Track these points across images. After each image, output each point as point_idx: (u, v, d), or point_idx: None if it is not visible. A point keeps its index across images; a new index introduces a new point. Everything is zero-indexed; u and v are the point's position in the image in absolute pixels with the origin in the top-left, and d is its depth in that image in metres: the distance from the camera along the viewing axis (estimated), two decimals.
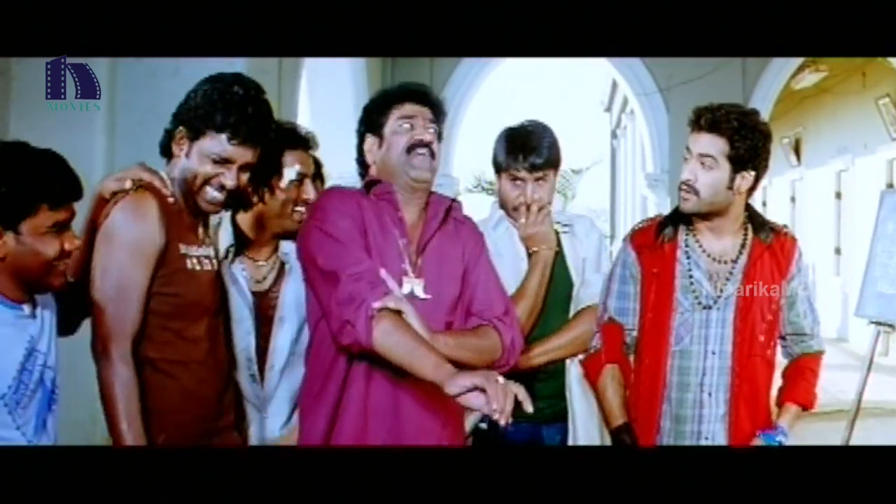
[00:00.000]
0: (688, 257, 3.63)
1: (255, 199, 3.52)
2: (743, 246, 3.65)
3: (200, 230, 3.30)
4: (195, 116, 3.13)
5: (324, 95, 10.00)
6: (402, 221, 3.26)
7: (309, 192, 3.57)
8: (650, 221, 3.82)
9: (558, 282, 3.97)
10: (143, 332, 3.06)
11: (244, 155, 3.16)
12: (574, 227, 4.10)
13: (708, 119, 3.49)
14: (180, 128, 3.15)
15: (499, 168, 4.04)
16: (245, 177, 3.21)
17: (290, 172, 3.53)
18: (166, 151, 3.21)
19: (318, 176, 3.74)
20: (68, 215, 2.79)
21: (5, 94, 4.59)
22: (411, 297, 3.18)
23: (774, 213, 21.08)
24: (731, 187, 3.52)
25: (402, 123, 3.27)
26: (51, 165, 2.74)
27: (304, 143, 3.64)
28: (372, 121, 3.34)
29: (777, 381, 3.78)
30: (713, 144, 3.48)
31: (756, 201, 11.46)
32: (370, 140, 3.32)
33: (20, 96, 4.55)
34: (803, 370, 3.79)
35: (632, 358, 3.79)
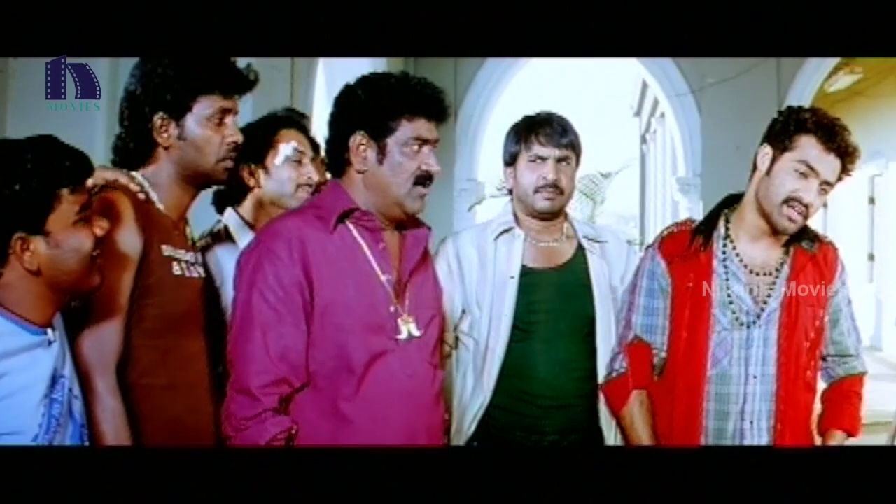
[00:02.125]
0: (725, 268, 3.33)
1: (251, 182, 3.40)
2: (786, 255, 3.35)
3: (186, 233, 3.04)
4: (178, 91, 2.88)
5: None
6: (386, 253, 3.00)
7: (309, 171, 3.44)
8: (680, 227, 3.50)
9: (576, 303, 3.67)
10: (126, 353, 2.73)
11: (234, 105, 2.99)
12: (606, 246, 3.80)
13: (847, 146, 3.22)
14: (159, 113, 2.89)
15: (514, 156, 3.77)
16: None
17: (285, 149, 3.44)
18: (136, 155, 2.95)
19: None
20: (88, 196, 2.50)
21: (3, 93, 4.46)
22: (408, 339, 2.98)
23: None
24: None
25: (413, 145, 2.94)
26: (52, 146, 2.45)
27: (297, 123, 3.53)
28: (371, 119, 2.95)
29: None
30: (837, 172, 3.23)
31: None
32: (361, 140, 2.96)
33: (18, 94, 4.43)
34: (848, 394, 3.51)
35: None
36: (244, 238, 3.35)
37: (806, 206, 3.21)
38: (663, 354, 3.43)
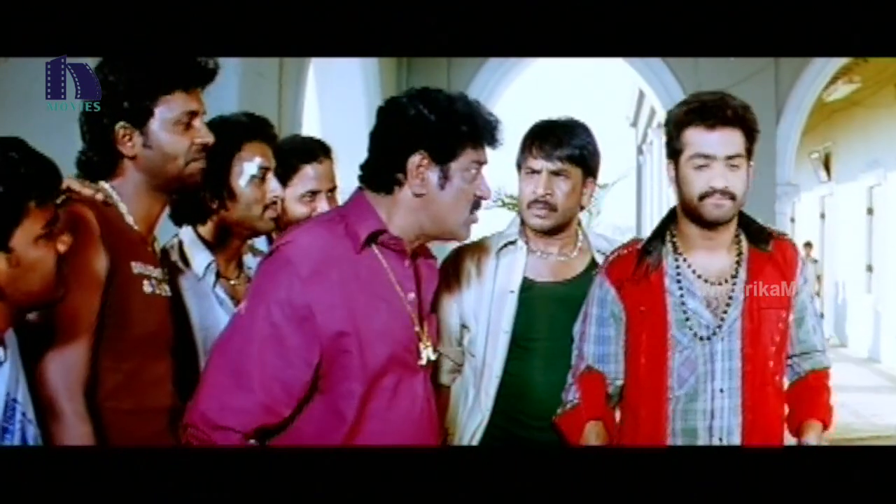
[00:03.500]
0: (679, 285, 3.19)
1: (214, 205, 3.15)
2: (739, 259, 3.21)
3: (155, 248, 2.87)
4: (138, 96, 2.70)
5: (334, 105, 9.60)
6: (410, 272, 2.83)
7: (275, 189, 3.19)
8: (627, 248, 3.36)
9: None
10: (91, 376, 2.56)
11: (200, 101, 2.80)
12: None
13: (727, 110, 3.07)
14: (120, 123, 2.70)
15: (519, 166, 3.60)
16: None
17: (249, 167, 3.16)
18: (102, 167, 2.77)
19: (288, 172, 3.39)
20: (54, 210, 2.27)
21: None
22: (426, 363, 2.84)
23: (804, 230, 20.91)
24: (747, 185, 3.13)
25: (472, 169, 2.76)
26: (20, 151, 2.21)
27: (260, 132, 3.24)
28: (439, 142, 2.73)
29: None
30: (739, 141, 3.09)
31: (785, 217, 11.25)
32: (421, 161, 2.72)
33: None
34: (818, 388, 3.36)
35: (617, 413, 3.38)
36: (198, 255, 3.19)
37: (723, 191, 3.08)
38: (619, 382, 3.32)
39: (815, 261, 19.88)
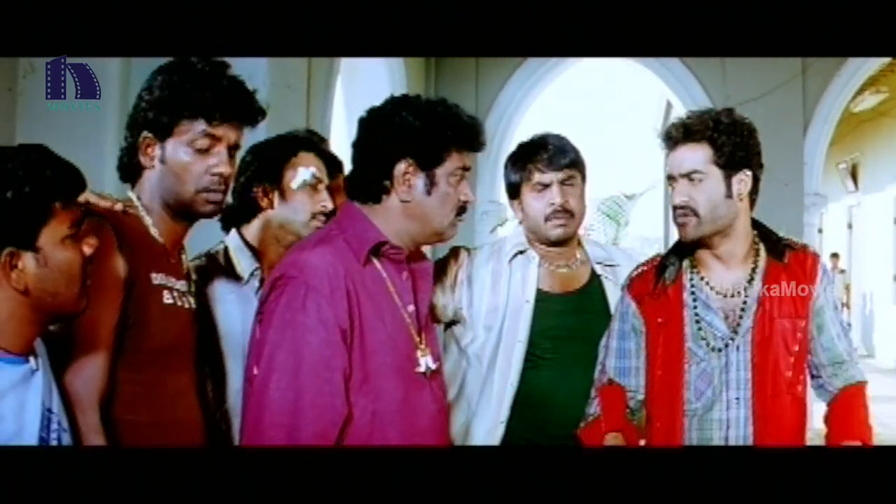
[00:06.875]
0: (694, 298, 3.23)
1: (264, 202, 3.24)
2: (754, 270, 3.23)
3: (181, 261, 2.85)
4: (161, 111, 2.67)
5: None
6: (409, 284, 2.87)
7: (324, 199, 3.28)
8: (647, 265, 3.41)
9: (593, 329, 3.51)
10: (110, 387, 2.54)
11: (228, 134, 2.73)
12: (619, 269, 3.67)
13: (681, 129, 3.15)
14: (144, 133, 2.68)
15: (516, 186, 3.65)
16: (233, 161, 2.78)
17: (304, 173, 3.26)
18: (129, 172, 2.76)
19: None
20: (79, 212, 2.31)
21: (11, 110, 4.40)
22: (426, 372, 2.85)
23: (831, 240, 20.85)
24: (730, 195, 3.14)
25: (457, 175, 2.83)
26: (43, 155, 2.24)
27: (317, 147, 3.37)
28: (423, 148, 2.78)
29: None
30: (696, 157, 3.13)
31: (812, 227, 11.20)
32: (407, 168, 2.78)
33: (26, 113, 4.39)
34: (854, 405, 3.31)
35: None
36: (243, 260, 3.25)
37: (682, 206, 3.16)
38: (640, 396, 3.35)
39: (843, 271, 19.84)
